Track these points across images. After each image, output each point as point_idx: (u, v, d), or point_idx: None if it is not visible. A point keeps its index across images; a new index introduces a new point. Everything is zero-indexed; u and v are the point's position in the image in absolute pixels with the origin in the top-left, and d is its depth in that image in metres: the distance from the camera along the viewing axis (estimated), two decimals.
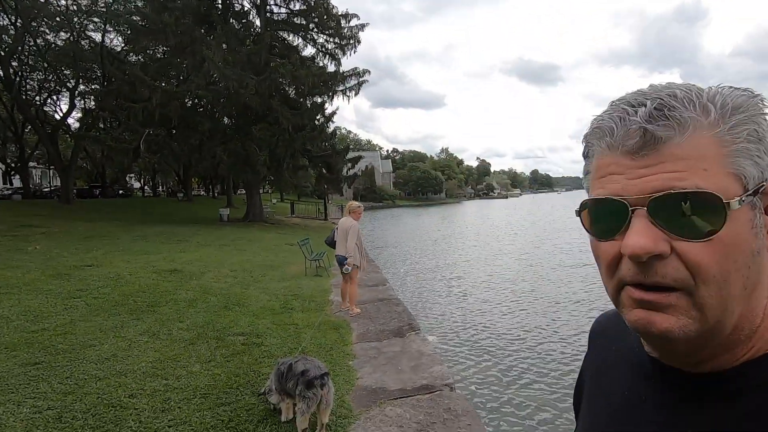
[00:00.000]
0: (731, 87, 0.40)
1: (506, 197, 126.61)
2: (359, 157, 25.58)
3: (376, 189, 67.29)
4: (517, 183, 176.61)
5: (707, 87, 0.40)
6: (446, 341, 6.84)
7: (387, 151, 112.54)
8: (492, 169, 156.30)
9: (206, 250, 11.92)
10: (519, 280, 11.40)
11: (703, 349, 0.40)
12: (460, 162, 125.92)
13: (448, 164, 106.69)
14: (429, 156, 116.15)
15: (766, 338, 0.40)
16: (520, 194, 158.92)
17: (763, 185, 0.38)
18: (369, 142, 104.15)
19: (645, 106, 0.39)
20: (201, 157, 19.87)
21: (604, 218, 0.41)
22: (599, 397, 0.53)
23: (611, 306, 0.47)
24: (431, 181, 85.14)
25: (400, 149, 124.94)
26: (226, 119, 22.06)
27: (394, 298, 6.87)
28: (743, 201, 0.37)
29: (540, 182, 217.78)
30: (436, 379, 3.91)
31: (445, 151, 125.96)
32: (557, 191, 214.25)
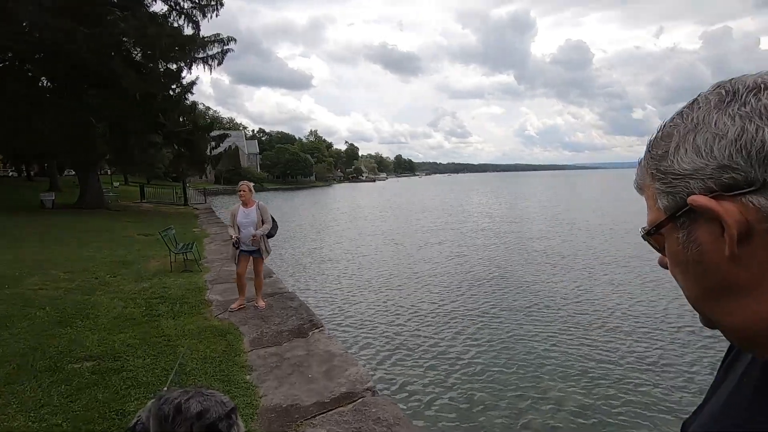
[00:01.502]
0: (674, 116, 0.47)
1: (374, 181, 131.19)
2: (225, 135, 23.11)
3: (242, 171, 62.55)
4: (383, 167, 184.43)
5: (676, 119, 0.46)
6: (352, 335, 6.40)
7: (252, 131, 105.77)
8: (360, 153, 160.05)
9: (26, 246, 9.24)
10: (400, 261, 11.60)
11: (735, 337, 0.47)
12: (330, 145, 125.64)
13: (317, 147, 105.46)
14: (298, 138, 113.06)
15: None
16: (386, 178, 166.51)
17: (687, 207, 0.44)
18: (231, 120, 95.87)
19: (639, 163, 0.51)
20: (14, 128, 15.43)
21: None
22: (724, 382, 0.57)
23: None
24: (301, 163, 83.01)
25: (267, 130, 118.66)
26: (46, 81, 17.54)
27: (287, 292, 6.13)
28: (652, 232, 0.47)
29: (403, 167, 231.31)
30: (356, 384, 3.45)
31: (314, 133, 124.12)
32: (418, 175, 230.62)
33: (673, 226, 0.46)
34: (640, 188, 0.51)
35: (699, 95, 0.46)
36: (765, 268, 0.42)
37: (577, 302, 7.74)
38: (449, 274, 10.10)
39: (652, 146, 0.48)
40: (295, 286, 8.32)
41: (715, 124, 0.42)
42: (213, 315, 5.20)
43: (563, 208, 26.91)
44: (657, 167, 0.46)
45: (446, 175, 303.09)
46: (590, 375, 5.08)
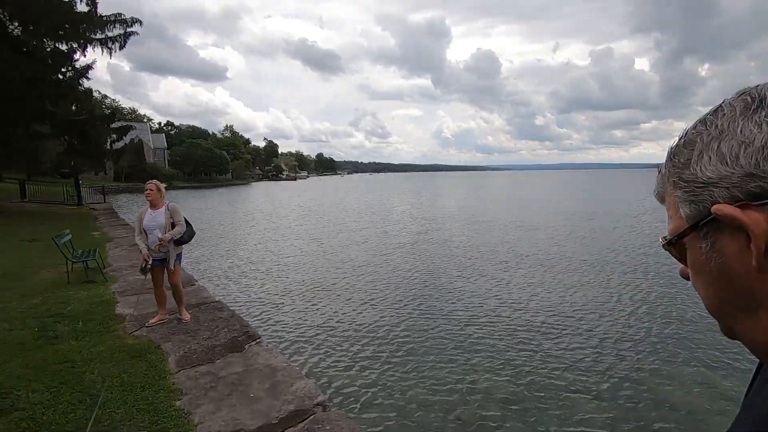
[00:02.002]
0: (697, 124, 0.45)
1: (295, 179, 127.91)
2: (128, 127, 20.76)
3: (147, 167, 56.94)
4: (304, 165, 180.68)
5: (678, 137, 0.47)
6: (290, 344, 5.96)
7: (159, 123, 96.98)
8: (280, 151, 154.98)
9: None
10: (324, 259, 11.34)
11: (756, 352, 0.47)
12: (247, 141, 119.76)
13: (234, 143, 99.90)
14: (211, 133, 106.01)
15: None
16: (308, 176, 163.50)
17: (710, 216, 0.43)
18: (134, 111, 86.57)
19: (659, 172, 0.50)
20: None
21: None
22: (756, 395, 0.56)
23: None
24: (216, 160, 78.00)
25: (176, 123, 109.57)
26: None
27: (214, 301, 5.58)
28: (674, 240, 0.47)
29: (325, 165, 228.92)
30: (304, 400, 3.20)
31: (229, 129, 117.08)
32: (340, 174, 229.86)
33: (696, 236, 0.45)
34: (661, 197, 0.50)
35: (723, 102, 0.45)
36: None
37: (498, 296, 8.15)
38: (376, 273, 10.08)
39: (673, 154, 0.47)
40: (220, 295, 7.69)
41: (741, 131, 0.41)
42: (127, 332, 4.55)
43: (480, 207, 28.52)
44: (679, 175, 0.46)
45: (368, 174, 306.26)
46: (514, 363, 5.32)
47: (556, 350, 5.68)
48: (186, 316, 4.88)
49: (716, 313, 0.47)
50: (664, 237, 0.49)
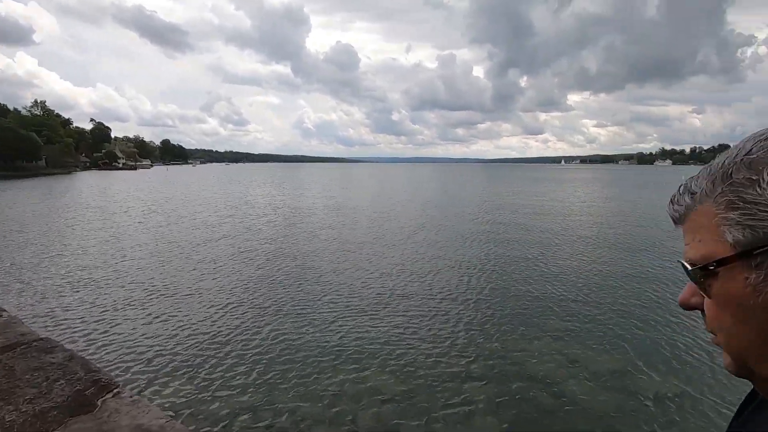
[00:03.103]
0: (758, 140, 0.42)
1: (135, 168, 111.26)
2: None
3: None
4: (146, 153, 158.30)
5: (740, 145, 0.44)
6: (156, 386, 4.66)
7: None
8: (113, 135, 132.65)
9: None
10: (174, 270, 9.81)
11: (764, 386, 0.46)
12: (67, 122, 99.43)
13: (47, 123, 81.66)
14: (14, 109, 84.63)
15: None
16: (152, 165, 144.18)
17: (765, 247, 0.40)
18: None
19: (678, 190, 0.48)
20: None
21: None
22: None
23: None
24: (22, 144, 62.68)
25: None
26: None
27: (39, 339, 4.08)
28: (712, 266, 0.42)
29: (173, 153, 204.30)
30: None
31: (40, 105, 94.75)
32: (192, 163, 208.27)
33: (743, 265, 0.41)
34: (682, 216, 0.47)
35: None
36: None
37: (365, 286, 8.07)
38: (237, 273, 9.13)
39: (733, 170, 0.42)
40: (47, 327, 5.87)
41: None
42: None
43: (343, 198, 28.66)
44: (739, 194, 0.41)
45: (224, 163, 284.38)
46: (381, 357, 5.26)
47: (428, 338, 5.78)
48: None
49: (744, 351, 0.44)
50: (690, 261, 0.45)
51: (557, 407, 4.23)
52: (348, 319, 6.54)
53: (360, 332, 6.02)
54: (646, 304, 7.33)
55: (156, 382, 4.74)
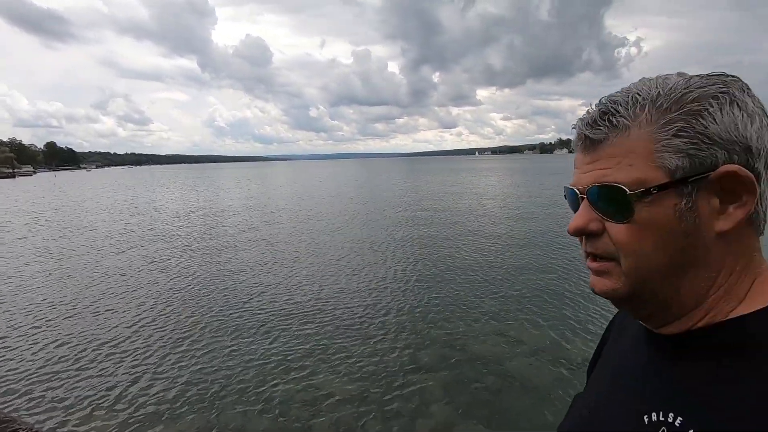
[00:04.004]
0: (691, 79, 0.45)
1: (13, 176, 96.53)
2: None
3: None
4: (26, 158, 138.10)
5: (671, 80, 0.46)
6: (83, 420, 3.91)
7: None
8: None
9: None
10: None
11: (652, 311, 0.49)
12: None
13: None
14: None
15: (720, 309, 0.46)
16: (35, 172, 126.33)
17: (704, 175, 0.43)
18: None
19: (593, 111, 0.49)
20: None
21: (571, 202, 0.53)
22: (610, 358, 0.62)
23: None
24: None
25: None
26: None
27: None
28: (653, 191, 0.44)
29: (61, 158, 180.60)
30: None
31: None
32: (86, 168, 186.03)
33: (676, 192, 0.44)
34: (602, 139, 0.47)
35: (722, 75, 0.45)
36: (735, 252, 0.45)
37: (295, 287, 7.76)
38: (151, 284, 8.14)
39: (681, 96, 0.44)
40: None
41: (747, 105, 0.43)
42: None
43: (263, 198, 27.36)
44: (690, 123, 0.43)
45: (125, 167, 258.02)
46: (325, 359, 4.94)
47: (371, 334, 5.61)
48: None
49: (652, 274, 0.46)
50: (620, 184, 0.45)
51: (506, 385, 4.30)
52: (281, 323, 6.10)
53: (297, 336, 5.63)
54: (571, 277, 7.89)
55: (69, 418, 4.00)
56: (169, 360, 5.09)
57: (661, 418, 0.45)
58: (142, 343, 5.61)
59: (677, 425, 0.43)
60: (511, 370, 4.61)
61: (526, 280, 7.79)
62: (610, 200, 0.46)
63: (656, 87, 0.46)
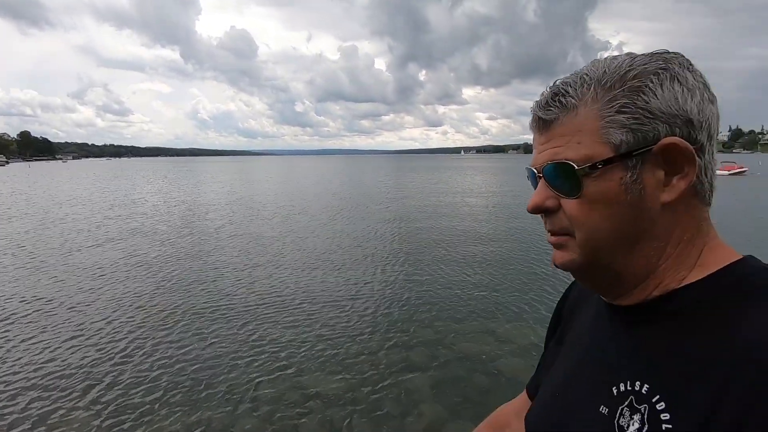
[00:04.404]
0: (636, 57, 0.47)
1: None
2: None
3: None
4: None
5: (620, 59, 0.47)
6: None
7: None
8: None
9: None
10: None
11: (606, 282, 0.51)
12: None
13: None
14: None
15: (671, 277, 0.48)
16: (7, 162, 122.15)
17: (647, 148, 0.45)
18: None
19: (545, 94, 0.50)
20: None
21: (531, 182, 0.55)
22: (573, 335, 0.64)
23: None
24: None
25: None
26: None
27: None
28: (599, 166, 0.45)
29: (36, 148, 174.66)
30: None
31: None
32: (62, 159, 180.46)
33: (621, 165, 0.45)
34: (555, 120, 0.49)
35: (664, 53, 0.47)
36: (683, 222, 0.47)
37: (280, 284, 7.63)
38: (129, 279, 7.90)
39: (624, 75, 0.46)
40: None
41: (687, 80, 0.45)
42: None
43: (247, 192, 26.88)
44: (632, 99, 0.45)
45: (105, 159, 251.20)
46: (314, 359, 4.87)
47: (360, 333, 5.54)
48: None
49: (602, 245, 0.48)
50: (570, 161, 0.46)
51: (495, 384, 4.28)
52: (266, 320, 5.96)
53: (282, 334, 5.50)
54: (556, 274, 7.91)
55: (40, 418, 3.81)
56: (148, 358, 4.93)
57: (628, 388, 0.47)
58: (120, 340, 5.42)
59: (644, 393, 0.45)
60: (500, 368, 4.60)
61: (512, 278, 7.82)
62: (562, 177, 0.48)
63: (603, 67, 0.48)
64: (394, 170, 64.22)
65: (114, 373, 4.58)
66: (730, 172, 36.85)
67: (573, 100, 0.48)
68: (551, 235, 0.52)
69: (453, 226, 13.33)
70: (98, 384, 4.37)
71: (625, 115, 0.45)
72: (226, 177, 48.02)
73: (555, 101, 0.49)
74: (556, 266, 0.52)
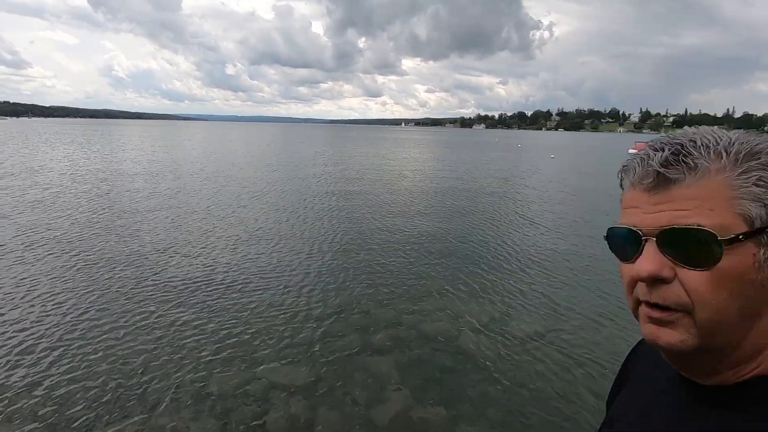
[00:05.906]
0: (752, 135, 0.47)
1: None
2: None
3: None
4: None
5: (730, 133, 0.47)
6: None
7: None
8: None
9: None
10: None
11: (706, 363, 0.48)
12: None
13: None
14: None
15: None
16: None
17: None
18: None
19: (663, 151, 0.47)
20: None
21: (623, 244, 0.50)
22: (634, 398, 0.61)
23: None
24: None
25: None
26: None
27: None
28: (741, 238, 0.43)
29: None
30: None
31: None
32: None
33: (754, 241, 0.43)
34: (679, 180, 0.45)
35: None
36: None
37: (216, 263, 6.90)
38: (30, 262, 6.81)
39: (755, 148, 0.45)
40: None
41: None
42: None
43: (171, 161, 24.47)
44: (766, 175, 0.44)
45: None
46: (270, 346, 4.58)
47: (316, 316, 5.28)
48: None
49: (722, 326, 0.44)
50: (710, 230, 0.43)
51: (457, 363, 4.23)
52: (206, 307, 5.40)
53: (230, 320, 5.01)
54: (511, 249, 7.85)
55: None
56: (71, 358, 4.26)
57: None
58: (37, 339, 4.53)
59: None
60: (461, 347, 4.56)
61: (466, 253, 7.69)
62: (695, 245, 0.44)
63: (719, 136, 0.46)
64: (336, 140, 62.67)
65: (32, 376, 3.94)
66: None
67: (705, 163, 0.45)
68: (657, 309, 0.46)
69: (403, 201, 13.06)
70: (11, 390, 3.55)
71: (762, 189, 0.43)
72: (147, 144, 43.49)
73: (679, 160, 0.45)
74: (659, 346, 0.47)
